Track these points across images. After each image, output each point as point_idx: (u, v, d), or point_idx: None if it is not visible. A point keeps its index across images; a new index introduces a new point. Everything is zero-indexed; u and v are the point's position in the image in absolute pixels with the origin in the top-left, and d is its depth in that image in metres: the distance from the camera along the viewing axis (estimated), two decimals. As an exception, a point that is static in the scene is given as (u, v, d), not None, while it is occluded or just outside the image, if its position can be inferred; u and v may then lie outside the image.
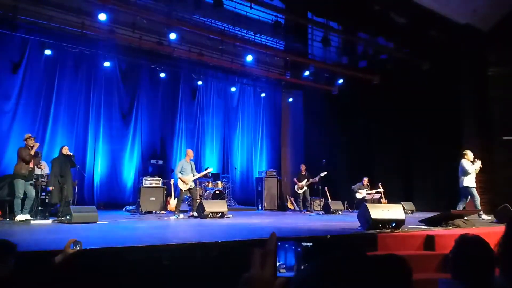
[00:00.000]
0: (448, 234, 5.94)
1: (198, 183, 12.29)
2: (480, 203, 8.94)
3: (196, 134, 14.62)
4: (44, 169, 9.01)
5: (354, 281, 0.76)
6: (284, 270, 1.24)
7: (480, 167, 8.99)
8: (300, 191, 12.95)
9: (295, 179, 13.18)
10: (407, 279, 0.79)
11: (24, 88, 11.18)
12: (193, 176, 9.83)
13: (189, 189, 9.80)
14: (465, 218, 7.40)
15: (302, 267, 1.05)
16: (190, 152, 10.16)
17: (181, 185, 9.72)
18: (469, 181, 8.96)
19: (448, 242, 2.14)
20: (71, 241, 3.03)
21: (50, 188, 8.54)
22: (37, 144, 8.36)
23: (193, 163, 10.07)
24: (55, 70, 11.71)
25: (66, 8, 10.19)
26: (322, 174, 12.58)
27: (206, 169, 11.12)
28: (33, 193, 8.15)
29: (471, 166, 8.98)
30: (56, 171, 8.64)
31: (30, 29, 10.54)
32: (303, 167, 13.30)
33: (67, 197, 8.64)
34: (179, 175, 9.75)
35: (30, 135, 8.44)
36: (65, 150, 8.82)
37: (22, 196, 7.96)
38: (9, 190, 8.49)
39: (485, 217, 8.86)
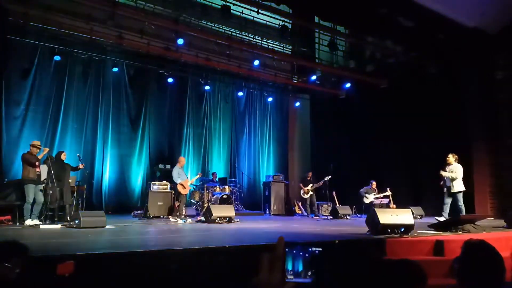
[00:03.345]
0: (457, 239, 5.86)
1: (205, 188, 12.34)
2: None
3: (204, 138, 14.67)
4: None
5: (368, 285, 0.76)
6: (293, 276, 1.24)
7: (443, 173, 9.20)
8: (306, 196, 12.90)
9: (300, 184, 13.13)
10: (422, 284, 0.78)
11: (34, 94, 11.31)
12: (189, 180, 10.65)
13: (180, 193, 10.18)
14: (476, 223, 7.32)
15: (319, 270, 1.05)
16: (183, 159, 10.88)
17: (182, 190, 10.20)
18: None
19: (458, 247, 2.11)
20: None
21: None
22: (46, 149, 8.43)
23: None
24: (64, 76, 11.85)
25: (75, 14, 10.28)
26: (326, 178, 12.54)
27: (199, 174, 11.64)
28: (42, 198, 8.22)
29: None
30: (51, 174, 8.64)
31: (40, 35, 10.66)
32: (309, 174, 13.26)
33: (65, 201, 8.67)
34: (179, 180, 10.21)
35: (38, 142, 8.49)
36: (63, 156, 8.95)
37: (32, 201, 8.03)
38: (18, 195, 8.55)
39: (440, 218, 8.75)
